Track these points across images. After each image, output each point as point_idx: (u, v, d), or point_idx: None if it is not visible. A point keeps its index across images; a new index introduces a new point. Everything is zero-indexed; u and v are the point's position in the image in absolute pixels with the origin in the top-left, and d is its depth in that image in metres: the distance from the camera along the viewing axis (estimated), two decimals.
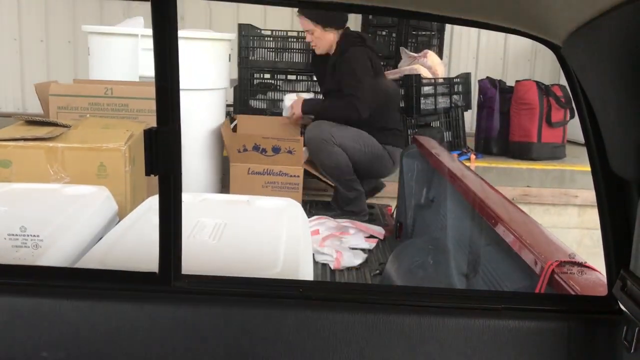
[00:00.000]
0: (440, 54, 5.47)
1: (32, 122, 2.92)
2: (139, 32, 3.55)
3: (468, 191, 2.28)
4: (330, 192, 3.88)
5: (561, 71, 1.30)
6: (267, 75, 4.77)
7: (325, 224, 3.33)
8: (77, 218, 2.08)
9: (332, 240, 3.13)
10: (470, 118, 5.56)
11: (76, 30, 5.54)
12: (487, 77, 5.18)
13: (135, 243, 1.83)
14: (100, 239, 1.97)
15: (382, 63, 4.15)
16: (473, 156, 4.83)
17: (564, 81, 4.37)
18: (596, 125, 1.18)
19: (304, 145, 3.59)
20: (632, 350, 1.12)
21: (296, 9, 3.84)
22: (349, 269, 2.95)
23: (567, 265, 1.47)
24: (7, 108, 6.00)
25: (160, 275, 1.23)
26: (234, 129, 3.99)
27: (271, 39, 4.67)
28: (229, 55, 4.00)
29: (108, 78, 3.55)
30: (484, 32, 6.20)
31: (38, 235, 1.77)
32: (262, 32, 4.70)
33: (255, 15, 5.85)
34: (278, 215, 2.19)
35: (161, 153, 1.17)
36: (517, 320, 1.22)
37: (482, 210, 2.04)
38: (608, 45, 1.02)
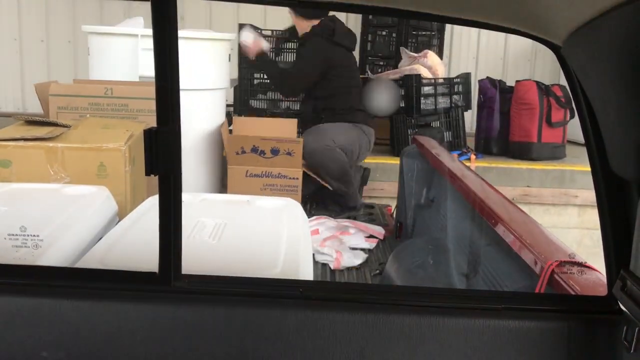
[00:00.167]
0: (440, 54, 5.47)
1: (32, 122, 2.92)
2: (139, 32, 3.55)
3: (468, 191, 2.28)
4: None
5: (561, 71, 1.30)
6: None
7: (325, 224, 3.33)
8: (77, 218, 2.08)
9: (332, 241, 3.13)
10: (470, 118, 5.56)
11: (76, 30, 5.54)
12: (487, 77, 5.18)
13: (135, 243, 1.83)
14: (100, 239, 1.97)
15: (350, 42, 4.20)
16: (473, 156, 4.83)
17: (564, 81, 4.37)
18: (596, 125, 1.18)
19: (303, 159, 3.61)
20: (632, 350, 1.12)
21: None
22: (349, 269, 2.95)
23: (567, 265, 1.47)
24: (7, 108, 6.00)
25: (161, 275, 1.23)
26: (230, 132, 3.98)
27: (271, 38, 4.68)
28: (229, 55, 4.00)
29: (108, 78, 3.55)
30: (484, 32, 6.20)
31: (38, 235, 1.77)
32: (263, 32, 4.70)
33: (255, 15, 5.85)
34: (278, 215, 2.19)
35: (161, 153, 1.17)
36: (517, 320, 1.22)
37: (482, 210, 2.04)
38: (608, 45, 1.02)
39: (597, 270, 1.44)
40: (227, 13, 6.03)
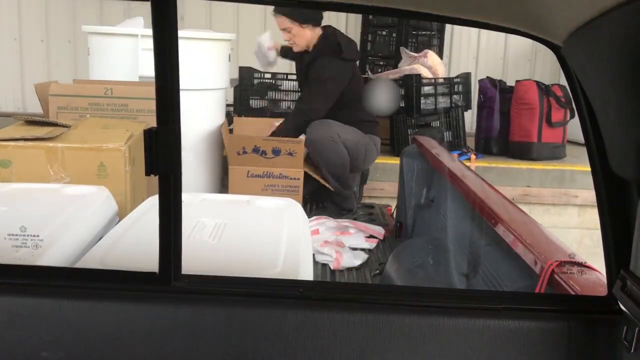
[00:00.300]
0: (440, 54, 5.47)
1: (32, 122, 2.92)
2: (139, 32, 3.55)
3: (468, 191, 2.28)
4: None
5: (561, 71, 1.30)
6: (268, 75, 4.77)
7: (325, 224, 3.33)
8: (77, 218, 2.08)
9: (332, 241, 3.13)
10: (470, 118, 5.56)
11: (76, 30, 5.54)
12: (487, 77, 5.18)
13: (135, 243, 1.83)
14: (100, 239, 1.97)
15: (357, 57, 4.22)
16: (473, 156, 4.83)
17: (564, 81, 4.38)
18: (596, 125, 1.18)
19: (305, 146, 3.60)
20: (632, 350, 1.12)
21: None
22: (349, 269, 2.95)
23: (567, 265, 1.47)
24: (7, 108, 6.00)
25: (160, 275, 1.23)
26: (231, 132, 3.98)
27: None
28: (229, 55, 4.00)
29: (108, 78, 3.55)
30: (484, 32, 6.20)
31: (38, 235, 1.77)
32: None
33: (256, 16, 5.86)
34: (278, 215, 2.19)
35: (161, 153, 1.17)
36: (517, 320, 1.22)
37: (482, 210, 2.04)
38: (608, 45, 1.02)
39: (597, 270, 1.44)
40: (227, 13, 6.02)
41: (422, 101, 4.69)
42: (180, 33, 1.20)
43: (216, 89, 3.94)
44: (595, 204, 1.25)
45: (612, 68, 1.02)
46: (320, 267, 2.93)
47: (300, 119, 3.68)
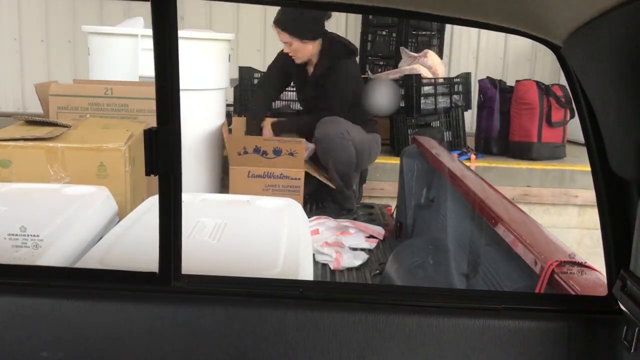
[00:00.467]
0: (440, 53, 5.47)
1: (32, 122, 2.92)
2: (139, 32, 3.55)
3: (468, 191, 2.28)
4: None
5: (561, 71, 1.30)
6: None
7: (325, 224, 3.33)
8: (77, 218, 2.08)
9: (332, 241, 3.13)
10: (470, 118, 5.55)
11: (76, 30, 5.53)
12: (487, 77, 5.17)
13: (135, 243, 1.83)
14: (100, 239, 1.97)
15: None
16: (473, 156, 4.83)
17: (564, 81, 4.37)
18: (596, 125, 1.18)
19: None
20: (632, 350, 1.12)
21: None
22: (349, 269, 2.95)
23: (567, 265, 1.47)
24: (7, 108, 6.00)
25: (160, 275, 1.23)
26: (230, 131, 3.97)
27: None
28: (229, 55, 4.00)
29: (108, 78, 3.55)
30: (484, 32, 6.19)
31: (38, 235, 1.77)
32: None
33: (256, 16, 5.86)
34: (278, 215, 2.19)
35: (161, 153, 1.17)
36: (517, 320, 1.22)
37: (482, 210, 2.04)
38: (608, 45, 1.02)
39: (597, 270, 1.44)
40: (227, 13, 6.02)
41: (422, 101, 4.69)
42: (180, 33, 1.20)
43: (216, 89, 3.94)
44: (595, 204, 1.25)
45: (612, 68, 1.02)
46: (320, 267, 2.93)
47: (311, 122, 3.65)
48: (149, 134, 1.16)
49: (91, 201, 2.29)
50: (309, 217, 2.75)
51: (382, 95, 4.10)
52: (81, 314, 1.21)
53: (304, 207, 2.94)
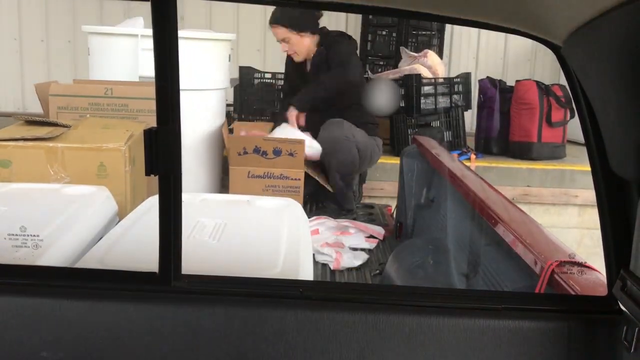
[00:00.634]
0: (440, 53, 5.47)
1: (32, 122, 2.92)
2: (139, 32, 3.55)
3: (468, 191, 2.28)
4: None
5: (561, 71, 1.30)
6: (268, 75, 4.77)
7: (325, 224, 3.33)
8: (77, 218, 2.08)
9: (332, 241, 3.13)
10: (470, 118, 5.56)
11: (76, 30, 5.53)
12: (487, 77, 5.17)
13: (135, 243, 1.83)
14: (100, 239, 1.97)
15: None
16: (473, 156, 4.83)
17: (564, 81, 4.37)
18: (596, 125, 1.18)
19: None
20: (632, 350, 1.12)
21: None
22: (349, 269, 2.95)
23: (567, 265, 1.47)
24: (7, 108, 6.00)
25: (160, 275, 1.23)
26: (231, 131, 3.97)
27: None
28: (229, 55, 4.00)
29: (108, 78, 3.55)
30: (484, 32, 6.19)
31: (38, 235, 1.77)
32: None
33: (256, 16, 5.85)
34: (278, 215, 2.19)
35: (161, 153, 1.17)
36: (517, 320, 1.22)
37: (482, 210, 2.04)
38: (608, 45, 1.02)
39: (597, 270, 1.44)
40: (227, 13, 6.02)
41: (422, 101, 4.69)
42: (180, 33, 1.20)
43: (216, 89, 3.94)
44: (595, 204, 1.25)
45: (612, 68, 1.02)
46: (320, 267, 2.93)
47: (336, 85, 3.56)
48: (149, 134, 1.16)
49: (91, 201, 2.29)
50: (309, 217, 2.75)
51: (382, 95, 4.10)
52: (81, 314, 1.21)
53: (304, 207, 2.94)
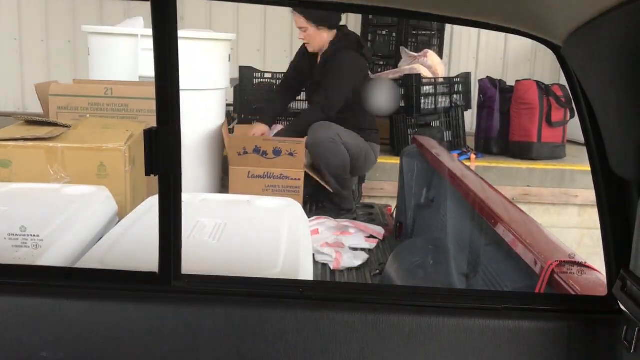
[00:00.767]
0: (440, 53, 5.47)
1: (32, 122, 2.92)
2: (139, 32, 3.55)
3: (468, 191, 2.28)
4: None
5: (561, 71, 1.30)
6: (268, 75, 4.77)
7: (325, 224, 3.33)
8: (77, 218, 2.08)
9: (332, 241, 3.13)
10: (470, 118, 5.56)
11: (76, 30, 5.53)
12: (487, 77, 5.17)
13: (135, 243, 1.83)
14: (100, 239, 1.97)
15: (369, 66, 4.21)
16: (473, 156, 4.83)
17: (564, 81, 4.37)
18: (596, 125, 1.18)
19: (306, 147, 3.59)
20: (632, 350, 1.12)
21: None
22: (349, 269, 2.95)
23: (567, 265, 1.47)
24: (7, 108, 6.00)
25: (160, 275, 1.23)
26: (231, 131, 3.97)
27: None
28: (229, 55, 4.00)
29: (108, 78, 3.55)
30: (484, 32, 6.19)
31: (38, 235, 1.77)
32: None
33: (256, 16, 5.86)
34: (278, 215, 2.19)
35: (161, 153, 1.17)
36: (517, 320, 1.22)
37: (482, 210, 2.04)
38: (608, 45, 1.02)
39: (597, 270, 1.44)
40: (227, 13, 6.02)
41: (422, 101, 4.69)
42: (180, 33, 1.20)
43: (216, 89, 3.94)
44: (595, 204, 1.25)
45: (612, 68, 1.02)
46: (320, 267, 2.93)
47: (317, 115, 3.64)
48: (149, 134, 1.16)
49: (91, 201, 2.29)
50: (309, 217, 2.75)
51: (382, 95, 4.10)
52: (81, 314, 1.21)
53: (304, 207, 2.94)
